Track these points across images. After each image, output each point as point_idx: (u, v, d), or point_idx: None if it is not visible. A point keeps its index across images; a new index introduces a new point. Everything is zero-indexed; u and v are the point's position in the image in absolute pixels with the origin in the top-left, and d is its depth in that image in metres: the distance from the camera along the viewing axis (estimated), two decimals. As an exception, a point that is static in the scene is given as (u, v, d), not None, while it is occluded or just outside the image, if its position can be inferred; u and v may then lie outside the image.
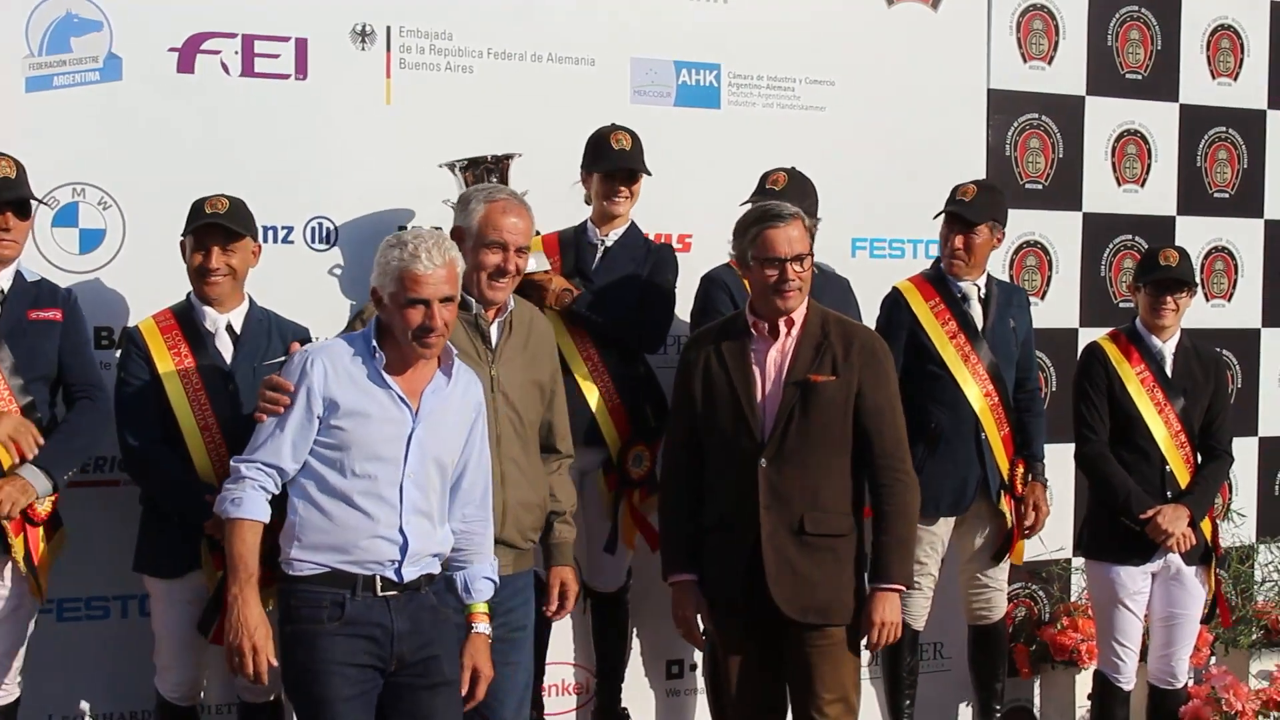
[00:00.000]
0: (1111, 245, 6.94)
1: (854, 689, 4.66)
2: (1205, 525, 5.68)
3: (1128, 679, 5.77)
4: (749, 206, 4.88)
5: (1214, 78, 7.17)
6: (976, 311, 5.65)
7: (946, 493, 5.58)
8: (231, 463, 4.02)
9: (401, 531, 3.95)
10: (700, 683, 5.74)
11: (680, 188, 5.86)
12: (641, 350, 5.54)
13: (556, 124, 5.68)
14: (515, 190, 4.95)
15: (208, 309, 4.74)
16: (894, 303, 5.72)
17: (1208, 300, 7.13)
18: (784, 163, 5.57)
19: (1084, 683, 6.34)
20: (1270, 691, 6.24)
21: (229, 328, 4.77)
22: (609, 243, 5.51)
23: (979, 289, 5.68)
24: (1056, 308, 6.80)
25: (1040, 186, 6.78)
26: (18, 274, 4.63)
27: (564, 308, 5.31)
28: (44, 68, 5.11)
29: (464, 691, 4.18)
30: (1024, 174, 6.74)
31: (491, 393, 4.34)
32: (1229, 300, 7.26)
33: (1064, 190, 6.84)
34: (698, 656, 5.59)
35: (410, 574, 3.98)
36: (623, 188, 5.45)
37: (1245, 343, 7.27)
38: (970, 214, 5.56)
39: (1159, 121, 7.04)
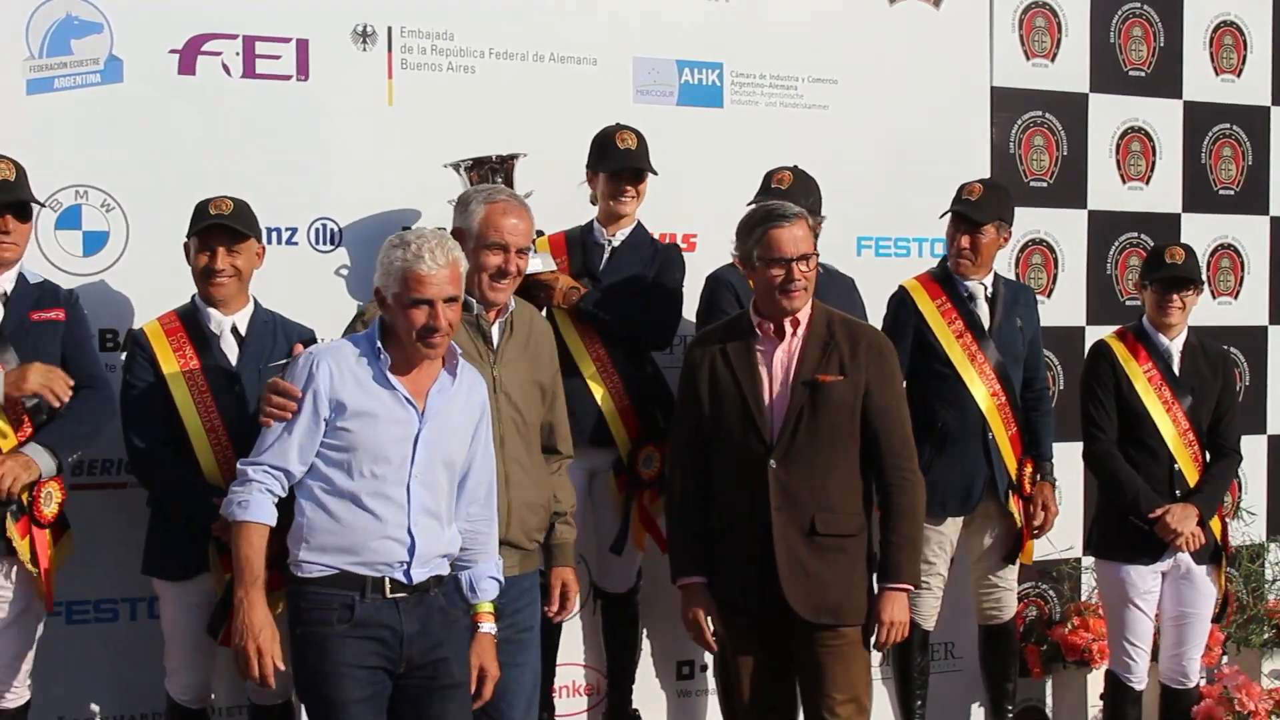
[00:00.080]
0: (1117, 243, 6.93)
1: (865, 689, 4.64)
2: (1215, 524, 5.66)
3: (1139, 679, 5.74)
4: (753, 207, 4.85)
5: (1217, 74, 7.16)
6: (983, 311, 5.63)
7: (954, 493, 5.56)
8: (238, 465, 4.00)
9: (410, 532, 3.93)
10: (711, 683, 5.76)
11: (683, 187, 5.84)
12: (650, 349, 5.53)
13: (559, 124, 5.67)
14: (515, 191, 4.96)
15: (212, 311, 4.73)
16: (900, 302, 5.70)
17: (1214, 298, 7.12)
18: (787, 162, 5.55)
19: (1096, 682, 6.30)
20: (1283, 690, 6.21)
21: (234, 329, 4.75)
22: (616, 243, 5.49)
23: (985, 288, 5.66)
24: (1062, 306, 6.79)
25: (1045, 184, 6.76)
26: (20, 276, 4.61)
27: (571, 306, 5.30)
28: (45, 70, 5.10)
29: (471, 691, 4.16)
30: (1028, 172, 6.72)
31: (494, 393, 4.33)
32: (1236, 298, 7.24)
33: (1069, 188, 6.82)
34: (709, 657, 5.59)
35: (419, 575, 3.96)
36: (629, 187, 5.44)
37: (1252, 340, 7.25)
38: (976, 214, 5.54)
39: (1163, 118, 7.03)
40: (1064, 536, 6.42)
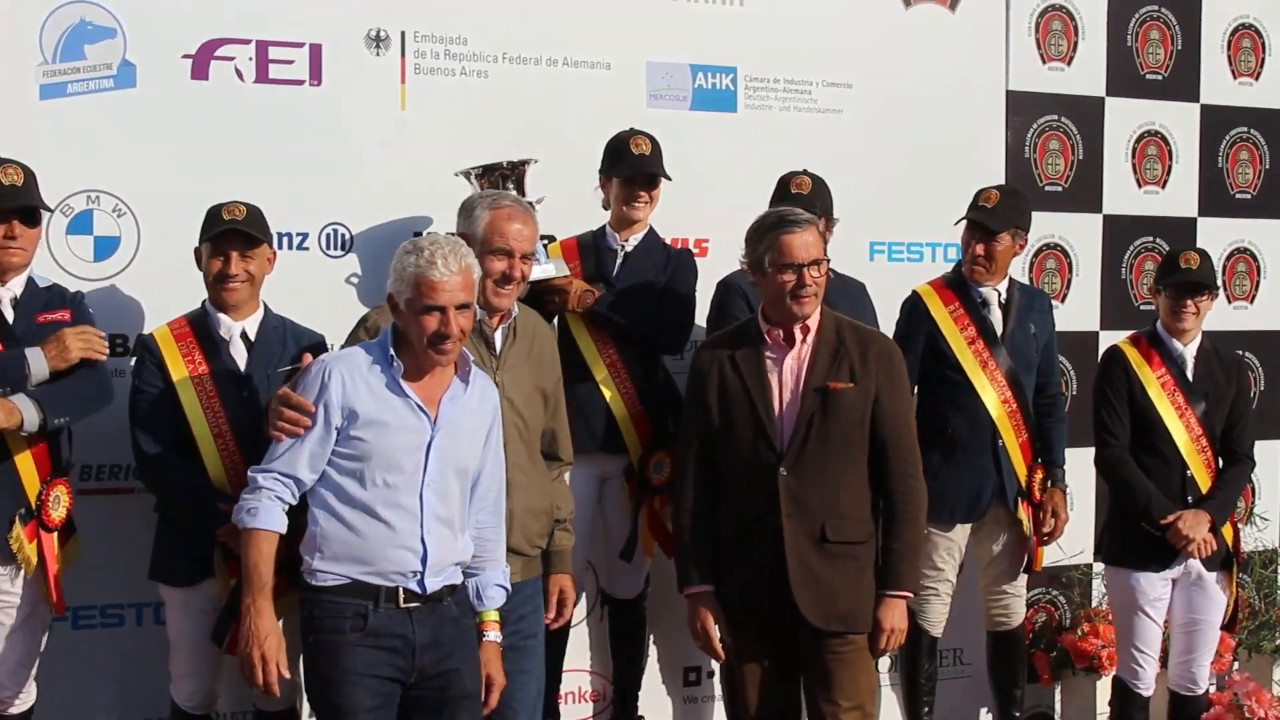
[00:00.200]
0: (1132, 247, 6.89)
1: (870, 696, 4.65)
2: (1227, 530, 5.64)
3: (1147, 685, 5.72)
4: (763, 213, 4.84)
5: (1235, 77, 7.11)
6: (996, 317, 5.61)
7: (962, 499, 5.55)
8: (249, 472, 4.00)
9: (422, 541, 3.94)
10: (718, 690, 5.73)
11: (697, 192, 5.83)
12: (664, 352, 5.54)
13: (572, 128, 5.68)
14: (527, 197, 4.96)
15: (222, 316, 4.73)
16: (913, 307, 5.69)
17: (1230, 302, 7.08)
18: (800, 166, 5.55)
19: (1105, 689, 6.28)
20: (1293, 697, 6.20)
21: (243, 335, 4.76)
22: (629, 248, 5.49)
23: (999, 294, 5.64)
24: (1077, 310, 6.76)
25: (1060, 188, 6.73)
26: (29, 280, 4.62)
27: (587, 310, 5.29)
28: (58, 75, 5.11)
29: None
30: (1043, 176, 6.69)
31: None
32: (1251, 302, 7.20)
33: (1084, 192, 6.79)
34: (715, 664, 5.57)
35: (433, 585, 3.97)
36: (642, 192, 5.44)
37: (1268, 345, 7.20)
38: (992, 222, 5.52)
39: (1180, 122, 6.98)
40: (1075, 542, 6.41)
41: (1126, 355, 5.70)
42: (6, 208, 4.49)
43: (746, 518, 4.54)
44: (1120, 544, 5.70)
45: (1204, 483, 5.62)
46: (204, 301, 4.79)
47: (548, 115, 5.71)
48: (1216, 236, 7.00)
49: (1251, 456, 5.81)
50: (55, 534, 4.58)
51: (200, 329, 4.74)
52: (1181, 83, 6.99)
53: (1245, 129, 7.14)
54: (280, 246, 5.16)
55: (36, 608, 4.58)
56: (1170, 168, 6.97)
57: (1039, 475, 5.67)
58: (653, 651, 5.93)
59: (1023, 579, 5.79)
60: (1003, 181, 6.38)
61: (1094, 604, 6.64)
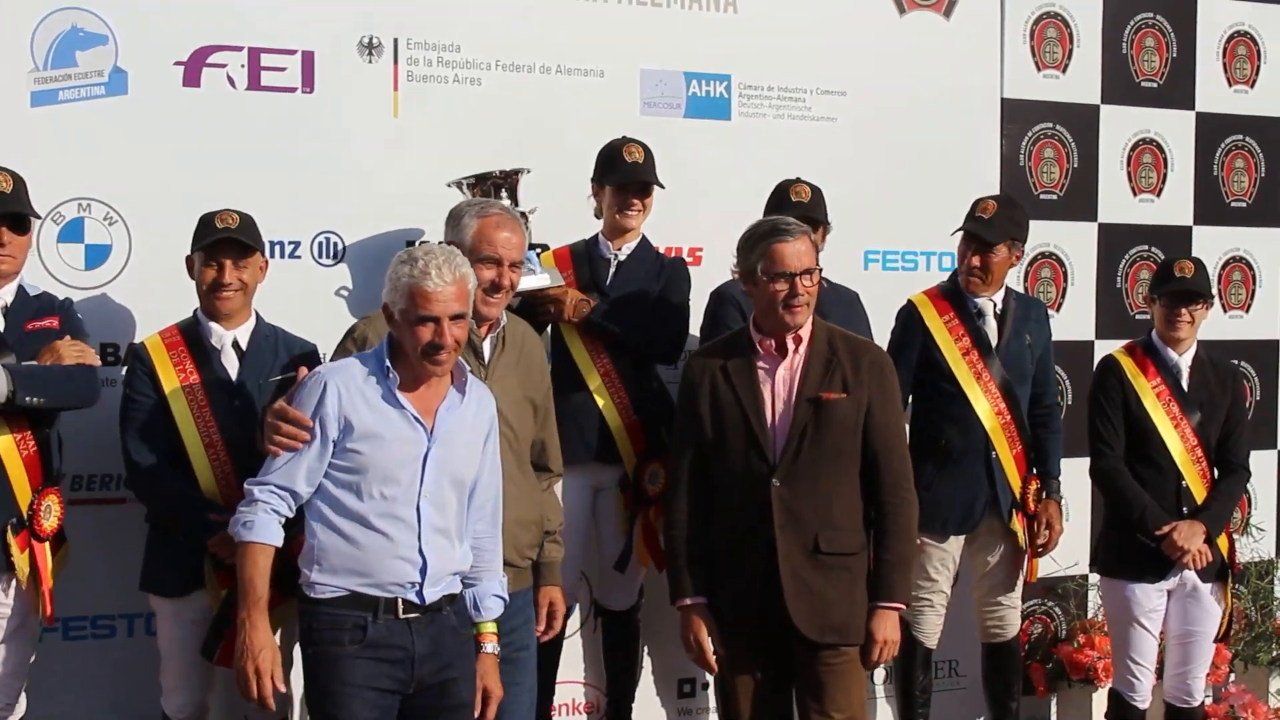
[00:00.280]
0: (1127, 256, 6.88)
1: (861, 707, 4.66)
2: (1222, 541, 5.61)
3: (1143, 698, 5.70)
4: (755, 221, 4.82)
5: (1230, 85, 7.11)
6: (991, 328, 5.59)
7: (954, 511, 5.53)
8: (246, 485, 3.98)
9: (421, 553, 3.92)
10: (713, 702, 5.73)
11: (691, 200, 5.82)
12: (659, 362, 5.52)
13: (565, 136, 5.65)
14: (520, 206, 4.93)
15: (214, 325, 4.72)
16: (908, 316, 5.67)
17: (1225, 311, 7.06)
18: (794, 174, 5.53)
19: (1101, 701, 6.26)
20: (1289, 709, 6.19)
21: (235, 344, 4.74)
22: (622, 256, 5.47)
23: (995, 305, 5.62)
24: (1072, 320, 6.74)
25: (1055, 197, 6.72)
26: (20, 289, 4.60)
27: (582, 319, 5.27)
28: (49, 82, 5.09)
29: (475, 713, 4.14)
30: (1038, 184, 6.68)
31: None
32: (1247, 311, 7.18)
33: (1079, 200, 6.78)
34: (710, 676, 5.56)
35: (431, 595, 3.95)
36: (635, 200, 5.42)
37: (1264, 354, 7.19)
38: (989, 234, 5.49)
39: (1175, 130, 6.97)
40: (1070, 553, 6.38)
41: (1121, 365, 5.68)
42: None
43: (739, 529, 4.52)
44: (1115, 555, 5.67)
45: (1199, 493, 5.60)
46: (195, 310, 4.77)
47: (541, 123, 5.68)
48: (1212, 245, 6.98)
49: (1247, 467, 5.79)
50: (47, 544, 4.55)
51: (192, 338, 4.73)
52: (1177, 90, 6.98)
53: (1241, 137, 7.13)
54: (272, 255, 5.14)
55: (26, 619, 4.56)
56: (1165, 176, 6.96)
57: (1034, 486, 5.65)
58: (647, 663, 5.91)
59: (1018, 590, 5.76)
60: (998, 190, 6.36)
61: (1090, 615, 6.62)
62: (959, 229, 5.60)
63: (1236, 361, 6.53)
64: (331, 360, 4.36)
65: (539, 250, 5.42)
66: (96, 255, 5.17)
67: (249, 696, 3.89)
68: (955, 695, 6.35)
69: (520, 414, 4.48)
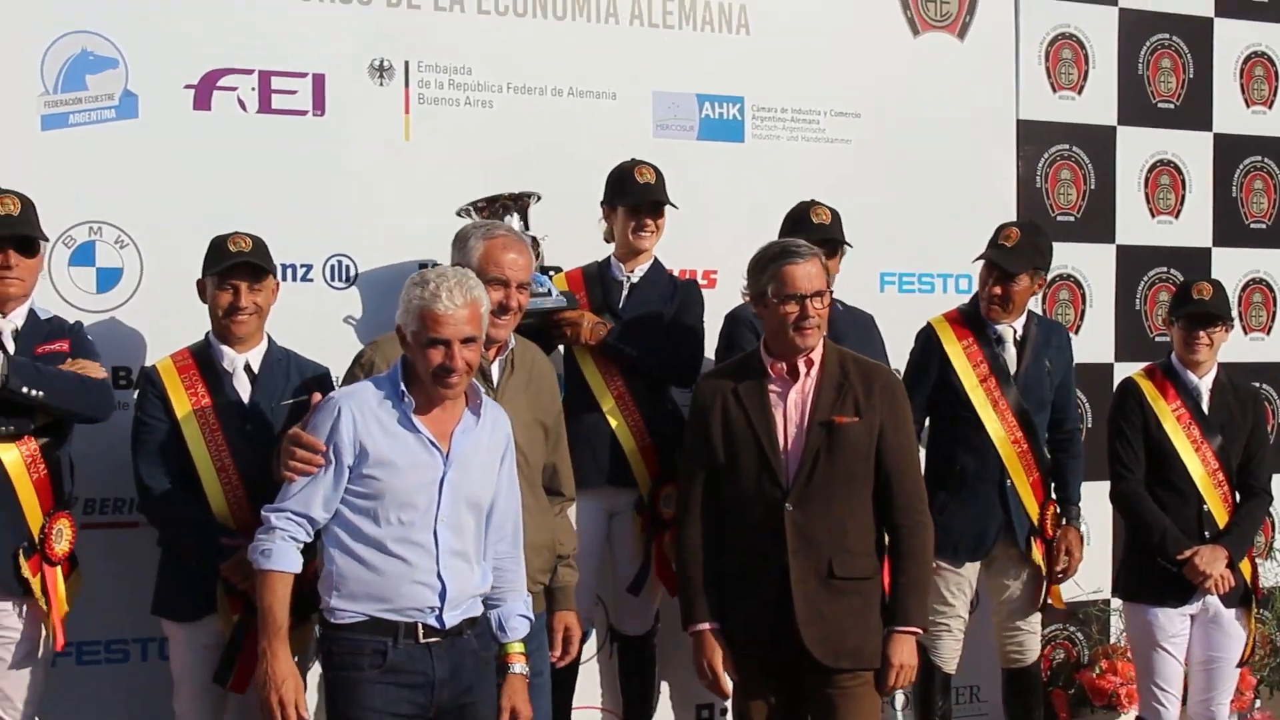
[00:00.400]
0: (1146, 278, 6.85)
1: None
2: (1245, 566, 5.55)
3: (1170, 725, 5.63)
4: (765, 244, 4.78)
5: (1248, 106, 7.10)
6: (1010, 355, 5.54)
7: (967, 538, 5.48)
8: (262, 512, 3.97)
9: (440, 577, 3.90)
10: (731, 728, 5.67)
11: (704, 223, 5.81)
12: (675, 385, 5.48)
13: (578, 159, 5.63)
14: (530, 230, 4.91)
15: (225, 348, 4.70)
16: (927, 339, 5.63)
17: (1246, 333, 7.03)
18: (808, 196, 5.49)
19: (1124, 727, 6.21)
20: (1314, 735, 6.11)
21: (247, 367, 4.72)
22: (635, 278, 5.45)
23: (1015, 331, 5.57)
24: (1091, 342, 6.70)
25: (1072, 219, 6.69)
26: (30, 312, 4.59)
27: (599, 341, 5.25)
28: (60, 105, 5.09)
29: None
30: (1055, 206, 6.65)
31: None
32: (1268, 333, 7.15)
33: (1096, 222, 6.75)
34: (729, 701, 5.50)
35: (451, 619, 3.93)
36: (649, 221, 5.40)
37: (1286, 377, 7.15)
38: (1011, 264, 5.43)
39: (1192, 151, 6.96)
40: (1092, 578, 6.34)
41: (1141, 388, 5.63)
42: (1, 237, 4.46)
43: (751, 553, 4.48)
44: (1137, 579, 5.62)
45: (1221, 517, 5.54)
46: (207, 333, 4.76)
47: (553, 145, 5.68)
48: (1232, 267, 6.95)
49: (1269, 490, 5.72)
50: (59, 568, 4.53)
51: (203, 361, 4.71)
52: (1194, 111, 6.97)
53: (1259, 158, 7.11)
54: (284, 278, 5.13)
55: (40, 643, 4.53)
56: (1184, 197, 6.94)
57: (1051, 511, 5.59)
58: (665, 688, 5.85)
59: (1037, 615, 5.70)
60: (1015, 212, 6.35)
61: (1112, 640, 6.55)
62: (980, 256, 5.55)
63: (1258, 384, 6.48)
64: (342, 386, 4.33)
65: (551, 272, 5.40)
66: (108, 279, 5.17)
67: None
68: (976, 721, 6.29)
69: (531, 437, 4.45)
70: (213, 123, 5.26)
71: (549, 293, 5.22)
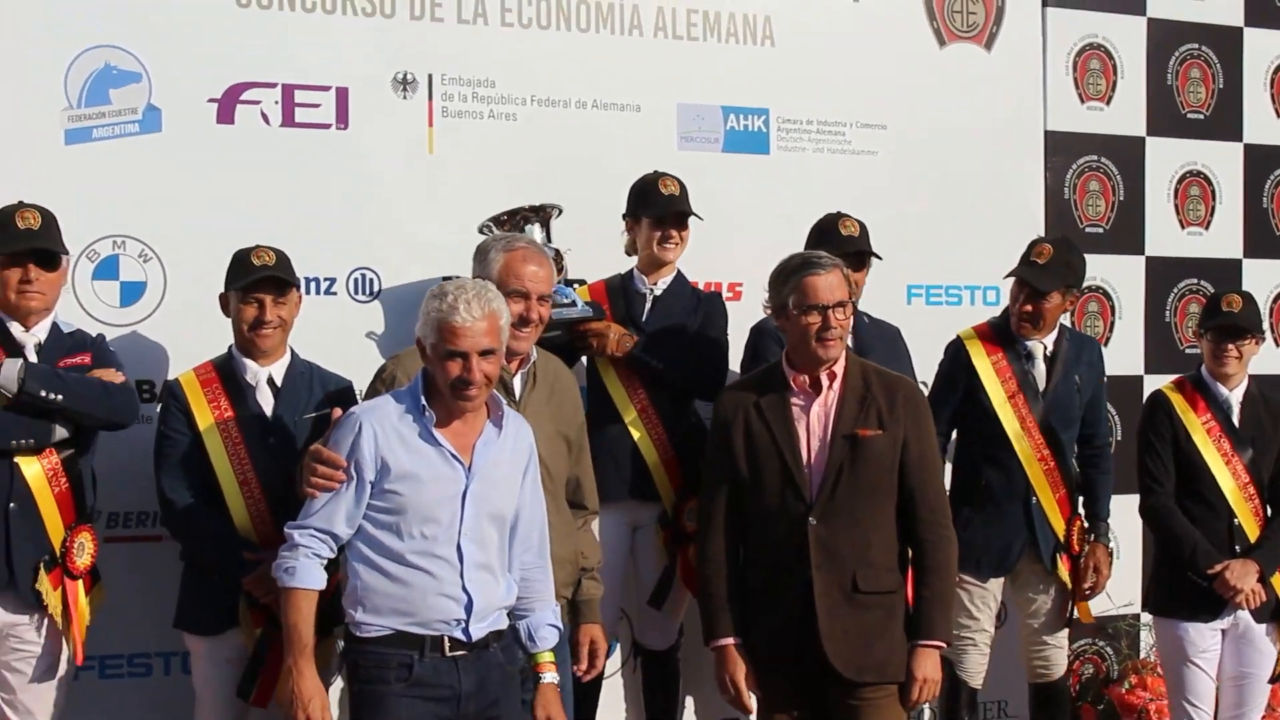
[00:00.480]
0: (1176, 290, 6.81)
1: None
2: (1276, 581, 5.48)
3: (1203, 741, 5.57)
4: (787, 255, 4.76)
5: (1278, 116, 7.02)
6: (1040, 371, 5.50)
7: (990, 554, 5.45)
8: (286, 529, 3.96)
9: (465, 590, 3.89)
10: (755, 743, 5.63)
11: (730, 235, 5.79)
12: (701, 397, 5.44)
13: (602, 171, 5.63)
14: (553, 243, 4.90)
15: (248, 361, 4.71)
16: (956, 352, 5.60)
17: (1278, 345, 6.95)
18: (834, 208, 5.46)
19: (1153, 744, 6.14)
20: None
21: (270, 380, 4.73)
22: (658, 291, 5.44)
23: (1046, 347, 5.53)
24: (1120, 354, 6.65)
25: (1101, 230, 6.65)
26: (54, 325, 4.60)
27: (625, 353, 5.23)
28: (83, 120, 5.11)
29: None
30: (1084, 217, 6.61)
31: None
32: (1301, 346, 7.07)
33: (1125, 234, 6.72)
34: (746, 717, 5.47)
35: (478, 632, 3.92)
36: (674, 232, 5.39)
37: (1319, 389, 7.06)
38: (1042, 283, 5.39)
39: (1222, 162, 6.92)
40: (1122, 592, 6.29)
41: (1171, 400, 5.58)
42: (21, 250, 4.47)
43: (774, 568, 4.45)
44: (1168, 594, 5.57)
45: (1252, 531, 5.48)
46: (230, 346, 4.77)
47: (578, 158, 5.67)
48: (1263, 278, 6.91)
49: (1300, 504, 5.66)
50: (80, 582, 4.53)
51: (226, 374, 4.72)
52: (1224, 122, 6.93)
53: (1291, 169, 7.05)
54: (308, 291, 5.14)
55: (57, 658, 4.53)
56: (1214, 208, 6.90)
57: (1078, 526, 5.54)
58: (689, 703, 5.83)
59: (1064, 630, 5.65)
60: (1042, 224, 6.33)
61: (1142, 655, 6.49)
62: (1011, 273, 5.51)
63: (1291, 397, 6.42)
64: (364, 401, 4.33)
65: (576, 284, 5.39)
66: (131, 292, 5.18)
67: None
68: (1004, 736, 6.24)
69: (554, 450, 4.43)
70: (236, 137, 5.27)
71: (574, 304, 5.21)
